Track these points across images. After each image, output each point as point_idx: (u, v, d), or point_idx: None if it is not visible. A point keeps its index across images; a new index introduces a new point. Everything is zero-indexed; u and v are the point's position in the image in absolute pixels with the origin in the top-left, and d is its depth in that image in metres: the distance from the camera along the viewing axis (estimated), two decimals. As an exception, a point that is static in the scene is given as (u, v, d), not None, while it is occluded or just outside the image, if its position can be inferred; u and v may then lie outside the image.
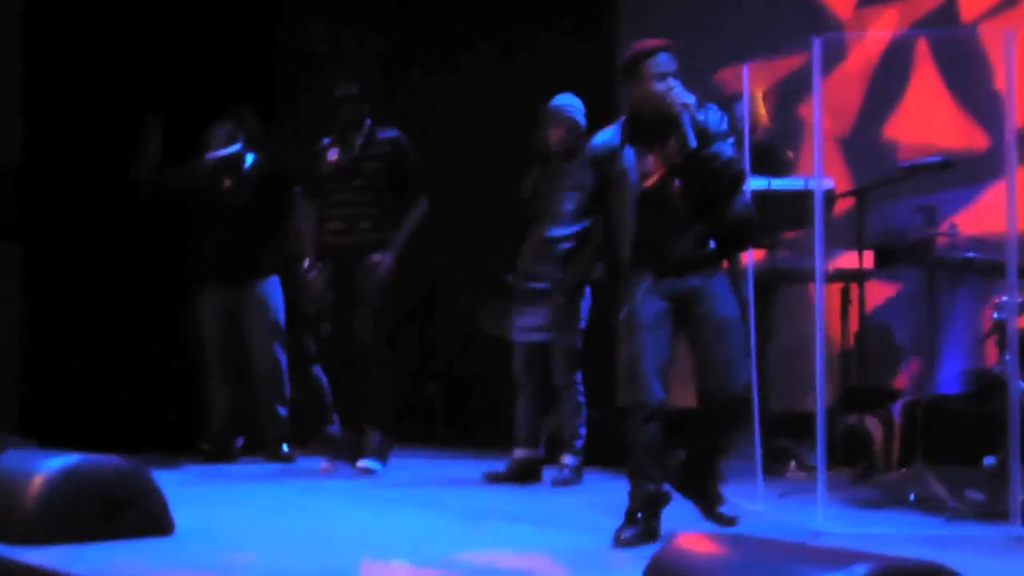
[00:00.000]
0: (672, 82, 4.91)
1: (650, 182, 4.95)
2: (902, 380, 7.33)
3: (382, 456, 7.05)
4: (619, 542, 4.75)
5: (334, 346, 7.21)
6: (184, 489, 5.95)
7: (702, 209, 4.93)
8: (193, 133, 7.83)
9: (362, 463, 7.00)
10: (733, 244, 5.10)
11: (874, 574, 2.66)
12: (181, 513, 4.95)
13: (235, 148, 7.73)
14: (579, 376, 6.65)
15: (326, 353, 7.36)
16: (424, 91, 9.62)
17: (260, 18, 9.53)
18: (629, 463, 4.91)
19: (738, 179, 5.00)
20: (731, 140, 4.98)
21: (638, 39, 5.11)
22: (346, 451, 7.17)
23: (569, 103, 6.83)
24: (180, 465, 7.27)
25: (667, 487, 4.93)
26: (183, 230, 7.99)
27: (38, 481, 4.63)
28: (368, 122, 7.22)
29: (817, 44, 5.23)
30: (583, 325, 6.69)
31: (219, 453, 7.66)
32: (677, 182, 4.92)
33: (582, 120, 6.77)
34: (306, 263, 7.22)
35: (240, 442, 7.83)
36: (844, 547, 3.03)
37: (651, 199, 4.92)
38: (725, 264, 5.07)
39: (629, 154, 4.95)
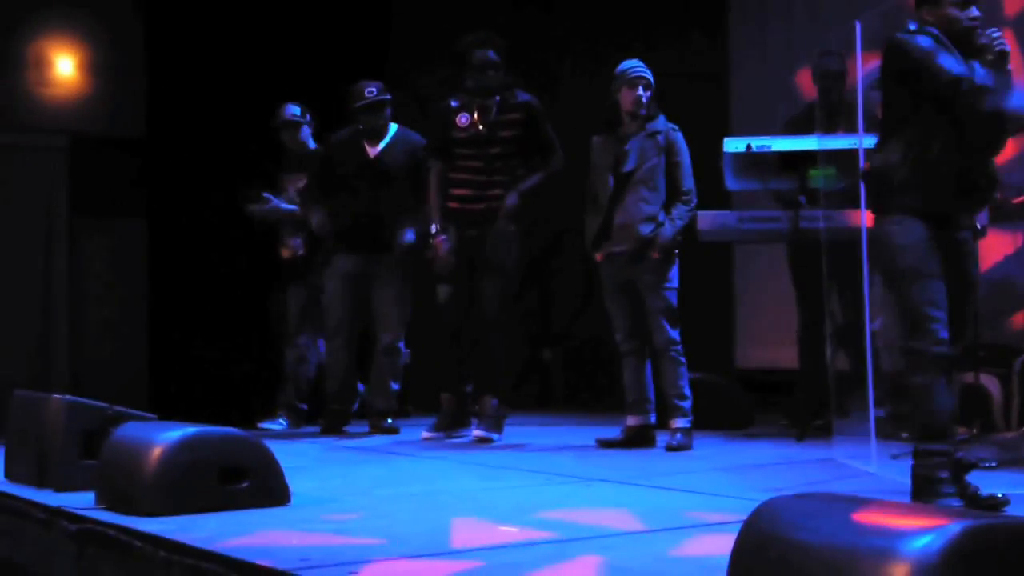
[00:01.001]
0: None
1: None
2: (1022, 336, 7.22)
3: (498, 425, 7.11)
4: None
5: (450, 312, 7.24)
6: (299, 459, 6.06)
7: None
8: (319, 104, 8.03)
9: (478, 432, 7.07)
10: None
11: (968, 532, 2.61)
12: (297, 483, 5.04)
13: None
14: (677, 335, 6.64)
15: (442, 318, 7.34)
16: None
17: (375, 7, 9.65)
18: (920, 424, 4.73)
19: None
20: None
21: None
22: (447, 419, 7.27)
23: (637, 64, 6.80)
24: (295, 435, 7.41)
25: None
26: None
27: (156, 452, 4.71)
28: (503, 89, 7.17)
29: (859, 26, 5.23)
30: (676, 284, 6.68)
31: (334, 424, 7.75)
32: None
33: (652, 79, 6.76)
34: (432, 228, 7.24)
35: (356, 407, 7.93)
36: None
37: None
38: None
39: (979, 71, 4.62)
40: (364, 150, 7.74)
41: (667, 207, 6.68)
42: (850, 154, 6.10)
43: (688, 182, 6.74)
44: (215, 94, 8.88)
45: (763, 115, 8.74)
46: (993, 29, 4.68)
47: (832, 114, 6.96)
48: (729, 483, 5.35)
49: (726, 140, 6.90)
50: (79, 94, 9.14)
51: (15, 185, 8.97)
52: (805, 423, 6.79)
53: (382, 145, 7.75)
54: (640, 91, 6.70)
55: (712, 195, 7.25)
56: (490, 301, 7.12)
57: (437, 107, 7.35)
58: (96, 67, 9.21)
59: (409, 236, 7.54)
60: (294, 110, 8.22)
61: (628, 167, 6.71)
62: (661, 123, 6.75)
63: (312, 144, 8.25)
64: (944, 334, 4.61)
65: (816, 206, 6.69)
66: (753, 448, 6.71)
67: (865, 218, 5.82)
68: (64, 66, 9.13)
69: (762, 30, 9.20)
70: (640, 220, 6.67)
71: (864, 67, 5.77)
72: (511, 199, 7.06)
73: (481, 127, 7.13)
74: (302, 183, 8.03)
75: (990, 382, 6.48)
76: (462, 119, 7.16)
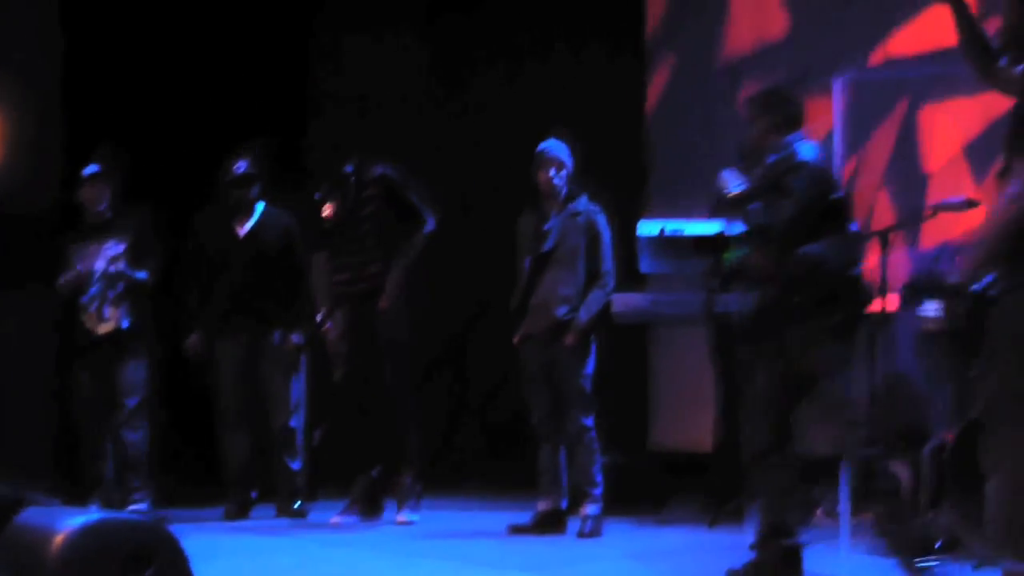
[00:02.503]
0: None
1: None
2: (931, 422, 7.26)
3: (416, 501, 7.07)
4: None
5: (349, 394, 7.22)
6: (205, 543, 5.95)
7: None
8: (221, 150, 7.84)
9: (400, 515, 7.01)
10: None
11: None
12: (205, 571, 4.94)
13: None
14: (591, 422, 6.63)
15: (341, 401, 7.32)
16: (463, 104, 9.72)
17: (292, 31, 9.62)
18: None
19: None
20: None
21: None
22: (360, 502, 7.16)
23: (552, 146, 6.82)
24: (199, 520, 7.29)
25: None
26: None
27: (59, 539, 4.59)
28: (350, 169, 7.23)
29: (837, 84, 5.24)
30: (591, 370, 6.67)
31: (238, 508, 7.61)
32: None
33: (568, 161, 6.77)
34: (319, 316, 7.28)
35: (255, 494, 7.79)
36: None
37: None
38: None
39: None
40: (233, 230, 7.70)
41: (585, 289, 6.67)
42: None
43: (607, 264, 6.75)
44: (134, 165, 8.76)
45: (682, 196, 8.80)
46: None
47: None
48: (638, 571, 5.33)
49: (640, 223, 6.93)
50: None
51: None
52: (718, 507, 6.77)
53: (250, 224, 7.70)
54: (552, 172, 6.71)
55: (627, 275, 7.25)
56: (390, 378, 7.10)
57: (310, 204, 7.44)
58: (8, 138, 9.08)
59: (296, 339, 7.56)
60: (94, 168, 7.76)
61: (547, 247, 6.72)
62: (583, 203, 6.76)
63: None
64: None
65: (730, 289, 6.71)
66: (664, 534, 6.69)
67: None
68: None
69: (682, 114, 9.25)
70: (556, 302, 6.67)
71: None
72: (391, 279, 7.09)
73: (338, 213, 7.21)
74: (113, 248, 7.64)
75: (900, 468, 6.50)
76: (326, 210, 7.26)
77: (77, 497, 6.38)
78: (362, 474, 7.22)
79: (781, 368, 5.00)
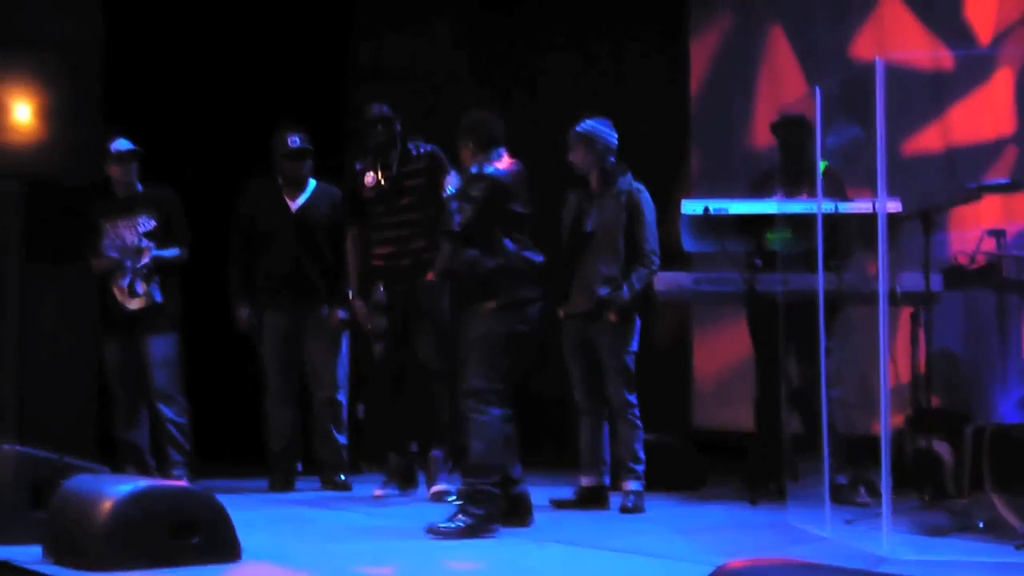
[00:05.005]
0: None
1: None
2: (973, 404, 7.26)
3: (448, 476, 7.06)
4: None
5: (386, 370, 7.21)
6: (251, 514, 6.01)
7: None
8: (262, 145, 7.86)
9: (435, 488, 7.01)
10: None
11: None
12: (248, 538, 5.00)
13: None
14: (634, 398, 6.64)
15: (378, 376, 7.32)
16: (503, 103, 9.71)
17: (332, 32, 9.65)
18: None
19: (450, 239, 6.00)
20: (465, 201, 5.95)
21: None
22: (397, 476, 7.21)
23: (591, 126, 6.81)
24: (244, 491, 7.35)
25: None
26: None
27: (106, 506, 4.67)
28: (399, 141, 7.19)
29: (880, 64, 5.22)
30: (635, 347, 6.69)
31: (283, 481, 7.68)
32: None
33: (604, 139, 6.77)
34: (349, 292, 7.33)
35: (300, 467, 7.86)
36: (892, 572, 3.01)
37: None
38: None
39: None
40: (285, 204, 7.73)
41: (628, 268, 6.68)
42: (807, 218, 6.14)
43: (651, 243, 6.75)
44: (169, 142, 8.81)
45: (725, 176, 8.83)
46: None
47: (796, 177, 6.98)
48: (682, 546, 5.35)
49: (684, 202, 6.92)
50: (34, 139, 9.07)
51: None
52: (759, 486, 6.78)
53: (303, 197, 7.74)
54: (582, 152, 6.72)
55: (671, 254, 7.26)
56: (428, 354, 7.09)
57: (349, 175, 7.43)
58: (51, 112, 9.15)
59: (342, 314, 7.58)
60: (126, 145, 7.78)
61: (589, 226, 6.73)
62: (625, 182, 6.76)
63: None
64: None
65: (773, 269, 6.72)
66: (706, 511, 6.70)
67: (823, 281, 5.87)
68: (20, 111, 9.06)
69: (725, 93, 9.26)
70: (598, 281, 6.68)
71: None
72: (440, 263, 6.83)
73: (383, 182, 7.15)
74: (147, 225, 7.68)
75: (943, 449, 6.50)
76: (368, 179, 7.20)
77: (113, 469, 6.43)
78: (397, 449, 7.25)
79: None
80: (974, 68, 7.57)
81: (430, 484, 7.09)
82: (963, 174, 7.25)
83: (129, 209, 7.67)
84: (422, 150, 7.18)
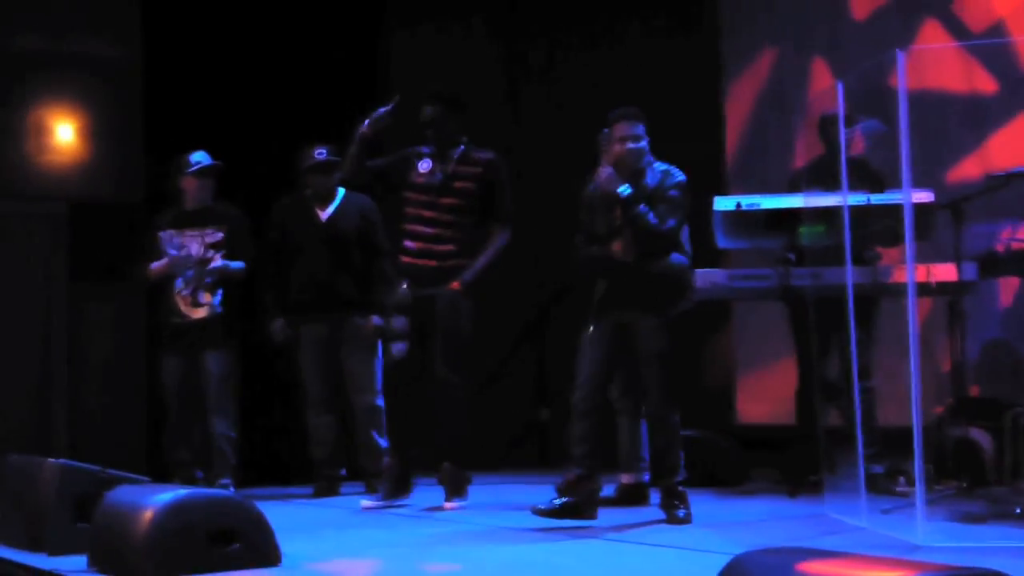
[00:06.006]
0: (628, 146, 6.06)
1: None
2: (1013, 392, 7.23)
3: (460, 490, 6.86)
4: None
5: (394, 374, 7.04)
6: (291, 521, 6.07)
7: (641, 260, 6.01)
8: (296, 143, 7.94)
9: (448, 504, 6.79)
10: (663, 294, 6.08)
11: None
12: (289, 545, 5.06)
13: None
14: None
15: (386, 380, 7.25)
16: (536, 94, 9.78)
17: (364, 26, 9.73)
18: None
19: (657, 240, 6.02)
20: (669, 202, 6.02)
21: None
22: (390, 480, 7.01)
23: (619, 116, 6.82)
24: (288, 498, 7.42)
25: None
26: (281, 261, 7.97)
27: (147, 515, 4.74)
28: (463, 141, 6.99)
29: (901, 57, 5.24)
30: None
31: (328, 486, 7.76)
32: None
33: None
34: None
35: (343, 472, 7.91)
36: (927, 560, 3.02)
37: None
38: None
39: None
40: (315, 214, 7.79)
41: None
42: (839, 212, 6.15)
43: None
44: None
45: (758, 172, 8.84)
46: None
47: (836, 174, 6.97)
48: (715, 539, 5.37)
49: (716, 199, 6.95)
50: (77, 160, 9.21)
51: (14, 252, 9.03)
52: (799, 479, 6.79)
53: (332, 208, 7.80)
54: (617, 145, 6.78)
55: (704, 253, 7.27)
56: (442, 364, 6.82)
57: (402, 150, 7.10)
58: (94, 132, 9.28)
59: (376, 320, 7.58)
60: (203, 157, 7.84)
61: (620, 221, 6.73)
62: (651, 174, 6.74)
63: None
64: None
65: (809, 263, 6.73)
66: (744, 504, 6.72)
67: (851, 275, 5.88)
68: (63, 132, 9.20)
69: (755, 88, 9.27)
70: None
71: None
72: (468, 275, 6.84)
73: (437, 174, 6.91)
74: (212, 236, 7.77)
75: (982, 437, 6.49)
76: (424, 164, 6.96)
77: (160, 479, 6.53)
78: (394, 453, 7.07)
79: None
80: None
81: (448, 498, 6.86)
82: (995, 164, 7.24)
83: (197, 221, 7.78)
84: (481, 156, 7.00)
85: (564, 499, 5.92)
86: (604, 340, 6.09)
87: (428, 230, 6.90)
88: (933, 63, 7.78)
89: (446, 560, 5.15)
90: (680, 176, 6.11)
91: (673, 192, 6.03)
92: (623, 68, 9.47)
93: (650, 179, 6.09)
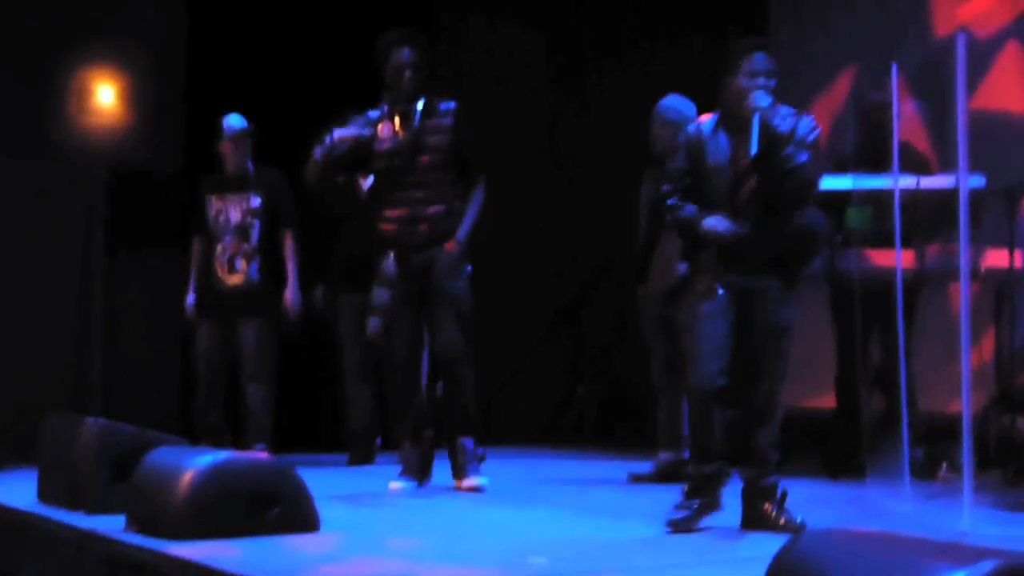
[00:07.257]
0: (759, 81, 4.99)
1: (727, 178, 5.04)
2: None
3: (478, 464, 6.46)
4: None
5: (393, 352, 6.53)
6: (330, 487, 6.05)
7: (770, 213, 5.03)
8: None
9: (468, 482, 6.36)
10: (794, 254, 5.15)
11: (1002, 570, 2.59)
12: (328, 510, 5.04)
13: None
14: None
15: (386, 359, 6.73)
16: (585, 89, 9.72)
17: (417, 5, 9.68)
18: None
19: (804, 188, 5.07)
20: (807, 149, 5.01)
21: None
22: (411, 467, 6.52)
23: (672, 105, 6.77)
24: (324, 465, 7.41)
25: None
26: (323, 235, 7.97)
27: (187, 477, 4.73)
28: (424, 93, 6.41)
29: (961, 38, 5.16)
30: None
31: (363, 455, 7.75)
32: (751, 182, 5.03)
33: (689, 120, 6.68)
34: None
35: (379, 441, 7.91)
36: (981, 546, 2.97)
37: (726, 195, 5.04)
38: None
39: (720, 144, 5.06)
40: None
41: None
42: (889, 195, 6.06)
43: None
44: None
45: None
46: None
47: (883, 157, 6.89)
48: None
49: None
50: (118, 125, 9.19)
51: (53, 214, 9.02)
52: (840, 462, 6.73)
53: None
54: (660, 129, 6.74)
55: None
56: (450, 337, 6.33)
57: (351, 126, 6.49)
58: (135, 98, 9.26)
59: None
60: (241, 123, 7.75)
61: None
62: None
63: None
64: None
65: (852, 246, 6.66)
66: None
67: (901, 259, 5.80)
68: (104, 95, 9.17)
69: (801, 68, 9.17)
70: (678, 259, 6.64)
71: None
72: (461, 234, 6.33)
73: (401, 134, 6.34)
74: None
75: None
76: (383, 129, 6.40)
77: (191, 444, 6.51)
78: (412, 439, 6.56)
79: None
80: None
81: (459, 476, 6.40)
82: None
83: (237, 187, 7.67)
84: (446, 106, 6.41)
85: (696, 500, 5.25)
86: (727, 313, 5.15)
87: (410, 195, 6.33)
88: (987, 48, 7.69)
89: (489, 530, 5.12)
90: (813, 120, 5.19)
91: (812, 138, 5.09)
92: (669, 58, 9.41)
93: (779, 123, 5.04)
